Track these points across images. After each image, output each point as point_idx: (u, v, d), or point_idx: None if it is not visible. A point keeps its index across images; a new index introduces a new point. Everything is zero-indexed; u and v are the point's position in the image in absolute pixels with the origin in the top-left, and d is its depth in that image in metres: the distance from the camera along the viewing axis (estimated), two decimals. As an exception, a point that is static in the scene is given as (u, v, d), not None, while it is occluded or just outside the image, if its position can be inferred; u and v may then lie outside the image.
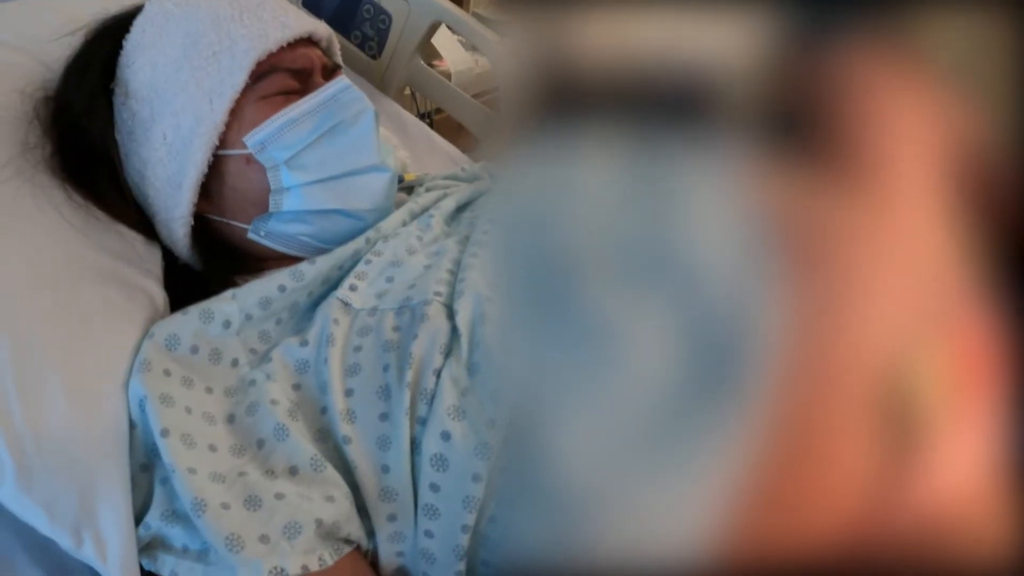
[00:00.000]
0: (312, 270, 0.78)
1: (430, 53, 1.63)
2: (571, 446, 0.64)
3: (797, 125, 0.27)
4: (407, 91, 1.49)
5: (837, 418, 0.26)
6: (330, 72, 0.90)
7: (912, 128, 0.27)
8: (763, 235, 0.27)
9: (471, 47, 1.69)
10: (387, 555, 0.69)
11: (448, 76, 1.58)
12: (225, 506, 0.64)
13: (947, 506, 0.26)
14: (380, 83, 1.36)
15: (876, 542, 0.26)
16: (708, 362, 0.61)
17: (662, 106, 0.30)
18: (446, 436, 0.66)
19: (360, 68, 1.36)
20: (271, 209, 0.83)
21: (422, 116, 1.53)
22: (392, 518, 0.68)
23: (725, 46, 0.29)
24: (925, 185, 0.27)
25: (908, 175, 0.27)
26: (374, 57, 1.38)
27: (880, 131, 0.27)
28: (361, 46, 1.40)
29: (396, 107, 1.31)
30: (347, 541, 0.68)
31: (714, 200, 0.30)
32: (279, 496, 0.65)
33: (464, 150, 1.33)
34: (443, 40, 1.63)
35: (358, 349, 0.72)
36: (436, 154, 1.25)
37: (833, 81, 0.27)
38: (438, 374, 0.69)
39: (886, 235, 0.26)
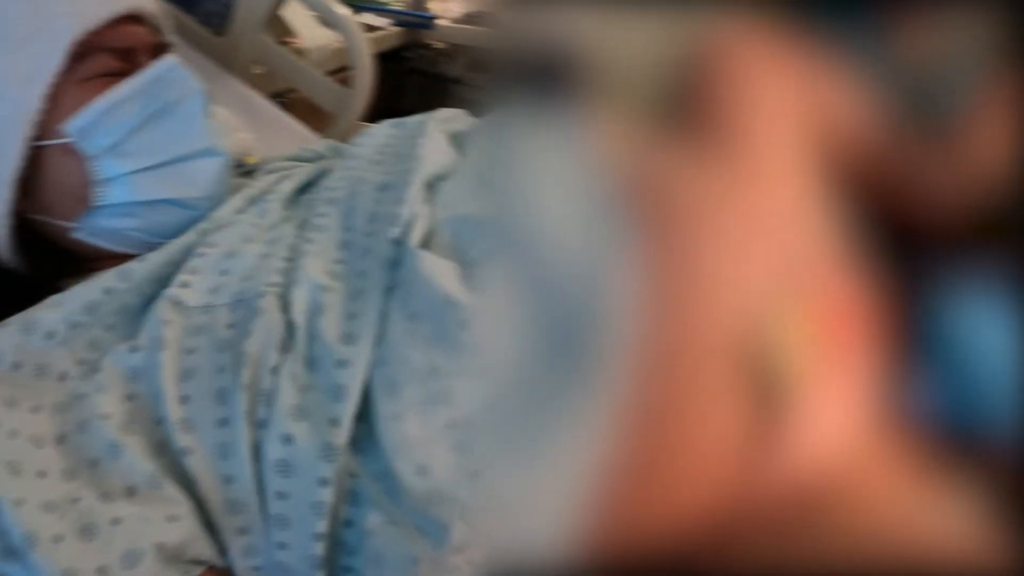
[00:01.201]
0: (141, 268, 0.73)
1: (285, 29, 1.57)
2: (418, 442, 0.61)
3: (661, 96, 0.27)
4: (260, 69, 1.43)
5: (700, 387, 0.25)
6: (158, 51, 0.84)
7: (780, 99, 0.27)
8: (617, 201, 0.27)
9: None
10: (243, 571, 0.65)
11: (304, 53, 1.52)
12: (58, 539, 0.59)
13: (823, 468, 0.25)
14: (226, 61, 1.30)
15: (751, 513, 0.26)
16: (559, 338, 0.58)
17: (527, 80, 0.30)
18: (288, 439, 0.62)
19: (204, 46, 1.30)
20: (95, 202, 0.77)
21: (277, 95, 1.47)
22: (242, 531, 0.63)
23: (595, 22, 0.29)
24: (791, 153, 0.26)
25: (774, 143, 0.26)
26: (219, 34, 1.33)
27: (747, 101, 0.26)
28: (205, 22, 1.34)
29: (241, 86, 1.25)
30: (197, 562, 0.63)
31: (567, 169, 0.30)
32: (116, 521, 0.60)
33: (320, 130, 1.28)
34: (298, 15, 1.58)
35: (192, 351, 0.67)
36: (285, 135, 1.20)
37: (701, 53, 0.27)
38: (276, 372, 0.64)
39: (748, 200, 0.26)
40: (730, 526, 0.25)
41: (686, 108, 0.27)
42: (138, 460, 0.63)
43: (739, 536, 0.26)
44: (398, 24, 2.33)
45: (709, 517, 0.25)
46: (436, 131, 0.86)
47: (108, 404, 0.65)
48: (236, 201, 0.82)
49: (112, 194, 0.77)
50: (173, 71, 0.79)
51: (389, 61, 2.57)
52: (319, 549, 0.61)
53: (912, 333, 0.27)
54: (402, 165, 0.79)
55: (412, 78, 2.70)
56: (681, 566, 0.26)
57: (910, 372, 0.26)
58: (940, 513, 0.26)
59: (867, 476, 0.26)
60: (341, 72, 1.47)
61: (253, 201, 0.83)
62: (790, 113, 0.27)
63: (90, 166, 0.76)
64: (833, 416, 0.25)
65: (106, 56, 0.79)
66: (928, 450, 0.27)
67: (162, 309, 0.69)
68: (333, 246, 0.73)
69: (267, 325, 0.66)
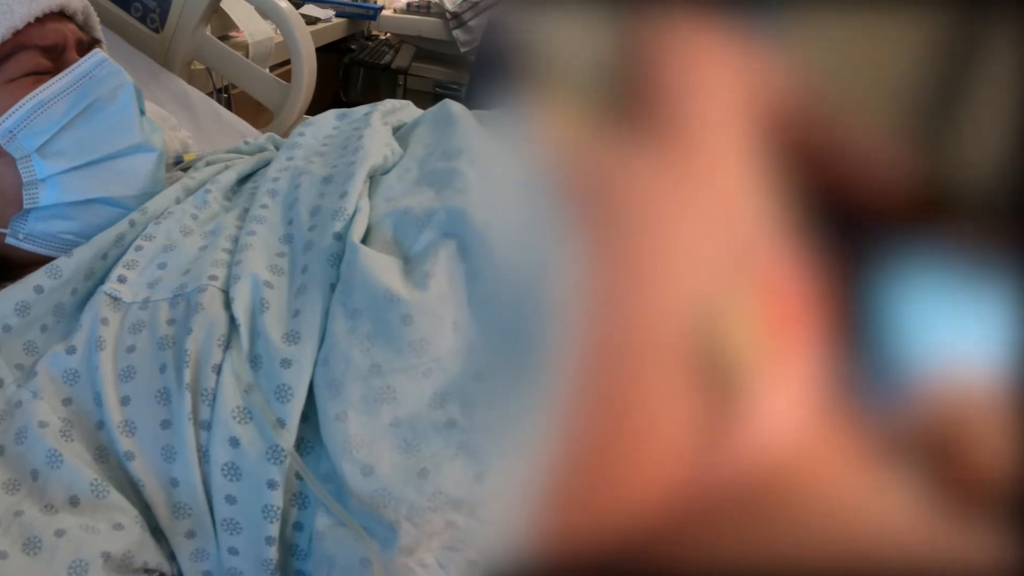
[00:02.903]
0: (70, 264, 0.70)
1: (227, 23, 1.55)
2: (362, 442, 0.59)
3: (605, 89, 0.27)
4: (201, 66, 1.40)
5: (651, 378, 0.25)
6: (87, 47, 0.81)
7: (718, 86, 0.27)
8: (564, 192, 0.27)
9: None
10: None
11: (246, 47, 1.49)
12: (1, 555, 0.57)
13: (774, 451, 0.26)
14: (164, 58, 1.27)
15: (705, 501, 0.26)
16: (507, 332, 0.57)
17: (478, 73, 0.29)
18: (234, 442, 0.60)
19: (142, 43, 1.29)
20: (26, 205, 0.75)
21: (219, 91, 1.45)
22: (190, 535, 0.62)
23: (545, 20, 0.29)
24: (732, 139, 0.27)
25: (715, 130, 0.26)
26: (157, 30, 1.30)
27: (684, 88, 0.27)
28: (143, 19, 1.32)
29: (181, 83, 1.23)
30: (147, 571, 0.61)
31: (514, 161, 0.30)
32: (59, 533, 0.58)
33: (263, 125, 1.26)
34: (239, 9, 1.55)
35: (131, 350, 0.65)
36: (225, 131, 1.18)
37: (643, 46, 0.27)
38: (218, 370, 0.62)
39: (691, 188, 0.26)
40: (685, 514, 0.26)
41: (628, 100, 0.27)
42: (79, 468, 0.61)
43: (694, 524, 0.26)
44: (341, 15, 2.30)
45: (664, 506, 0.25)
46: (380, 123, 0.85)
47: (45, 411, 0.63)
48: (172, 191, 0.80)
49: (43, 195, 0.74)
50: (102, 66, 0.76)
51: (333, 53, 2.55)
52: (272, 553, 0.59)
53: (856, 316, 0.27)
54: (346, 158, 0.78)
55: (357, 70, 2.68)
56: (639, 556, 0.26)
57: (855, 356, 0.26)
58: (888, 498, 0.26)
59: (817, 462, 0.26)
60: (287, 65, 1.45)
61: (191, 192, 0.82)
62: (727, 96, 0.27)
63: (20, 168, 0.74)
64: (782, 403, 0.26)
65: (32, 54, 0.76)
66: (875, 433, 0.27)
67: (99, 306, 0.67)
68: (275, 239, 0.72)
69: (209, 321, 0.64)
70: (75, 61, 0.77)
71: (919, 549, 0.25)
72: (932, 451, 0.26)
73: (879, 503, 0.26)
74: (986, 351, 0.26)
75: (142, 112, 0.79)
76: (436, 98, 0.89)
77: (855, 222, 0.27)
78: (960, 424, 0.26)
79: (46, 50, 0.77)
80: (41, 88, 0.74)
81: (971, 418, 0.26)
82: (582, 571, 0.27)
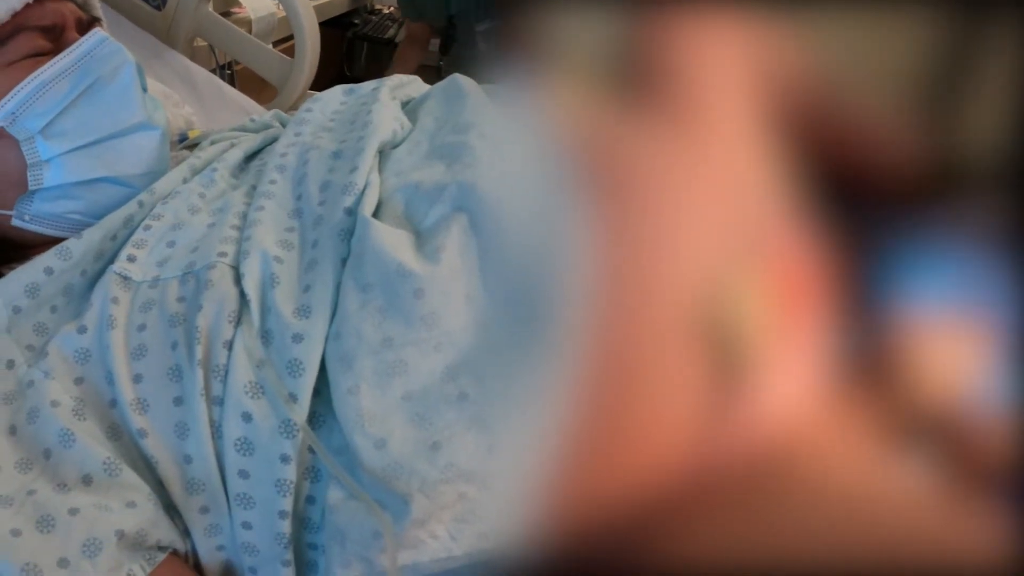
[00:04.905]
0: (80, 245, 0.70)
1: (229, 0, 1.54)
2: (375, 415, 0.60)
3: (616, 67, 0.27)
4: (204, 43, 1.40)
5: (658, 353, 0.25)
6: (87, 26, 0.81)
7: (728, 64, 0.27)
8: (574, 168, 0.27)
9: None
10: (207, 552, 0.63)
11: (249, 23, 1.49)
12: (15, 533, 0.57)
13: (781, 429, 0.26)
14: (166, 36, 1.27)
15: (712, 477, 0.26)
16: (517, 305, 0.57)
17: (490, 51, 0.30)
18: (247, 417, 0.61)
19: (144, 21, 1.28)
20: (31, 186, 0.75)
21: (222, 68, 1.45)
22: (204, 510, 0.62)
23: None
24: (741, 117, 0.27)
25: (724, 108, 0.27)
26: (158, 8, 1.30)
27: (697, 68, 0.27)
28: None
29: (183, 60, 1.23)
30: (160, 548, 0.61)
31: (524, 137, 0.30)
32: (73, 511, 0.59)
33: (267, 101, 1.25)
34: (242, -15, 1.55)
35: (142, 328, 0.65)
36: (229, 107, 1.18)
37: (653, 24, 0.27)
38: (230, 346, 0.63)
39: (701, 165, 0.26)
40: (692, 490, 0.26)
41: (638, 77, 0.27)
42: (92, 447, 0.61)
43: (701, 500, 0.26)
44: (344, -11, 2.29)
45: (672, 482, 0.26)
46: (389, 97, 0.85)
47: (57, 390, 0.64)
48: (179, 171, 0.80)
49: (48, 176, 0.74)
50: (103, 45, 0.76)
51: (336, 28, 2.54)
52: (285, 527, 0.60)
53: (863, 293, 0.27)
54: (355, 132, 0.78)
55: (360, 44, 2.66)
56: (646, 530, 0.26)
57: (862, 334, 0.26)
58: (895, 477, 0.26)
59: (824, 440, 0.26)
60: (290, 41, 1.45)
61: (197, 171, 0.82)
62: (736, 74, 0.27)
63: (24, 149, 0.74)
64: (790, 381, 0.26)
65: (32, 35, 0.76)
66: (882, 412, 0.26)
67: (109, 286, 0.67)
68: (284, 214, 0.72)
69: (219, 297, 0.64)
70: (75, 41, 0.77)
71: (926, 529, 0.25)
72: (939, 430, 0.26)
73: (886, 482, 0.26)
74: (991, 327, 0.26)
75: (144, 90, 0.79)
76: (440, 72, 0.89)
77: (862, 200, 0.27)
78: (967, 403, 0.26)
79: (45, 31, 0.77)
80: (42, 69, 0.74)
81: (977, 397, 0.26)
82: (591, 545, 0.27)
